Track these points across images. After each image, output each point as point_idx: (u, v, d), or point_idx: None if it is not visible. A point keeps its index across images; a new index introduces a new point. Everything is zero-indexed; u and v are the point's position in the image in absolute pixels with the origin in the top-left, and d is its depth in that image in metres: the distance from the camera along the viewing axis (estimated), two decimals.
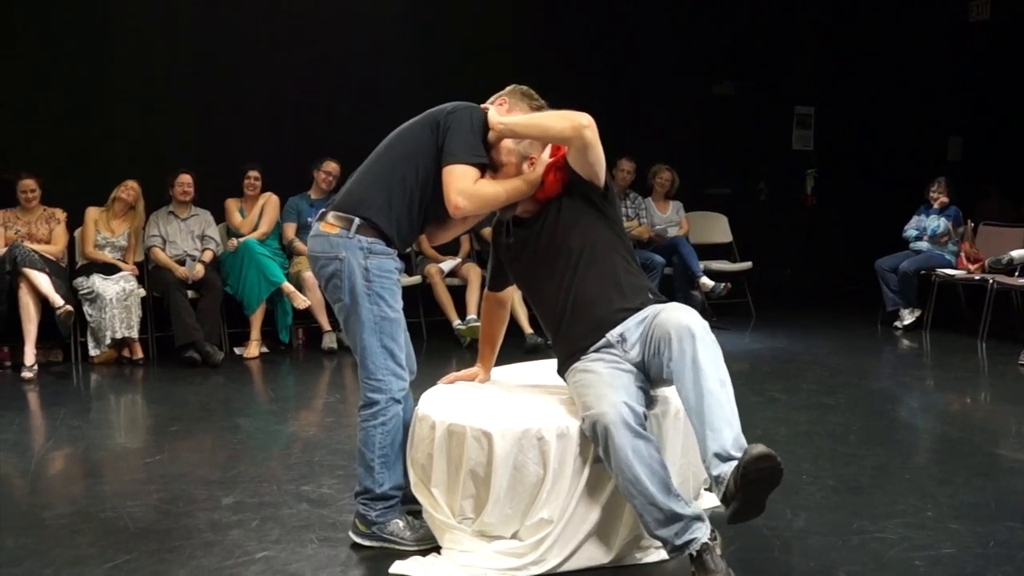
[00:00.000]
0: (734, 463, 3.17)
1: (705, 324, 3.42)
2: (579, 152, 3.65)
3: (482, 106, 3.83)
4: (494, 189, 3.66)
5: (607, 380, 3.50)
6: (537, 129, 3.69)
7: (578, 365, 3.69)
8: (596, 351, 3.68)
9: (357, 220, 3.64)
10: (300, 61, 8.88)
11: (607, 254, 3.76)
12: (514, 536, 3.57)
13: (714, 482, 3.24)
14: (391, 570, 3.54)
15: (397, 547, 3.71)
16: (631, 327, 3.65)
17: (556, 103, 3.85)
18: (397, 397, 3.69)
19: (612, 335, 3.67)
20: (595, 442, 3.38)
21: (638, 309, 3.68)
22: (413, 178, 3.66)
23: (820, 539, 3.86)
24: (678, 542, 3.31)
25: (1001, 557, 3.69)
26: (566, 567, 3.50)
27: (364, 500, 3.75)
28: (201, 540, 3.89)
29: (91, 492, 4.64)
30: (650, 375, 3.61)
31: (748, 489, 3.13)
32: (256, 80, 8.81)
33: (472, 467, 3.56)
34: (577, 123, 3.56)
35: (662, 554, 3.53)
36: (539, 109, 3.84)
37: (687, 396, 3.32)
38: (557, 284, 3.77)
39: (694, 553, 3.29)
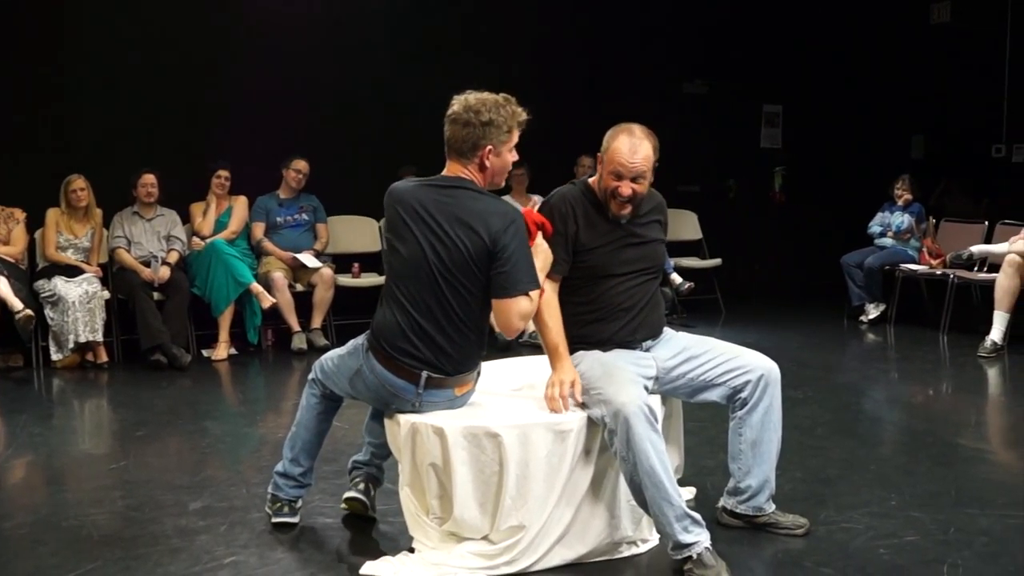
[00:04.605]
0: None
1: None
2: None
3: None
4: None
5: (628, 375, 3.61)
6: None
7: (598, 353, 3.78)
8: (621, 347, 3.84)
9: None
10: (267, 59, 8.81)
11: (657, 283, 4.09)
12: (484, 539, 3.55)
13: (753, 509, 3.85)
14: (362, 571, 3.53)
15: None
16: (658, 341, 3.97)
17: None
18: None
19: (647, 343, 3.93)
20: (612, 433, 3.44)
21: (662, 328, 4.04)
22: None
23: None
24: (686, 540, 3.38)
25: (961, 543, 3.79)
26: (538, 567, 3.50)
27: None
28: (168, 546, 3.85)
29: (53, 500, 4.59)
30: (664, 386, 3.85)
31: None
32: (223, 78, 8.73)
33: (431, 462, 3.54)
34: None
35: (635, 550, 3.64)
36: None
37: (751, 432, 3.79)
38: (622, 282, 3.90)
39: (695, 553, 3.37)
